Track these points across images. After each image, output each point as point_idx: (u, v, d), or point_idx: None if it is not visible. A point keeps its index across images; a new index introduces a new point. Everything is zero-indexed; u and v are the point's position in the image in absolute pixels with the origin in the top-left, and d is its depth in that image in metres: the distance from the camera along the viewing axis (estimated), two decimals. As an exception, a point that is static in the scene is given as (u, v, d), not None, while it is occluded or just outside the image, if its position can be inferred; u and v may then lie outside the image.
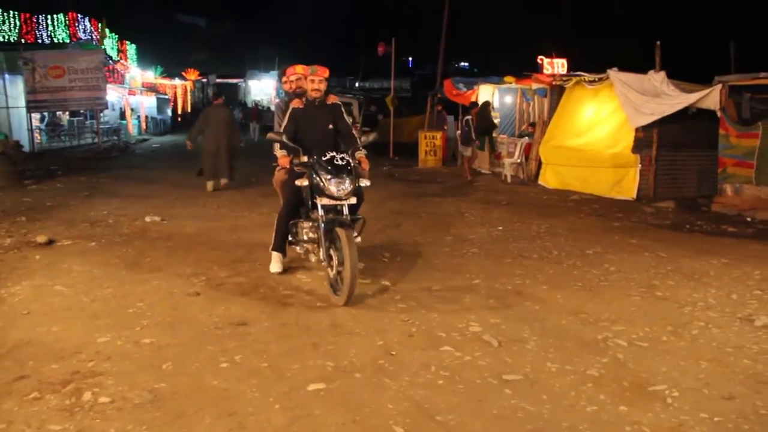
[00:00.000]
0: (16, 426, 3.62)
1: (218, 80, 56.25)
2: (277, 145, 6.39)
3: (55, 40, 28.33)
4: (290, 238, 6.63)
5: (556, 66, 19.24)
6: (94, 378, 4.22)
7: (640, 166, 12.55)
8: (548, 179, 14.38)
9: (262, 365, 4.48)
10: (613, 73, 12.92)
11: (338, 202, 5.87)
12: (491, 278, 6.81)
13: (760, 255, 8.04)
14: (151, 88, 38.14)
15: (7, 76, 21.77)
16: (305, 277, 6.69)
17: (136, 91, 34.35)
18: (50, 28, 28.54)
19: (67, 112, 26.40)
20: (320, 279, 6.45)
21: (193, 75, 49.36)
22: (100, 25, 28.91)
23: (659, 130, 12.39)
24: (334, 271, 5.77)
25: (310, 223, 6.27)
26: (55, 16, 28.64)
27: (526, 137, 15.83)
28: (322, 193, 5.82)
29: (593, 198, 12.68)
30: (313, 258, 6.44)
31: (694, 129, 12.68)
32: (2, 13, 27.45)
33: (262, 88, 55.01)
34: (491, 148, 16.60)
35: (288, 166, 6.33)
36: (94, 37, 29.16)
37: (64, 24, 28.94)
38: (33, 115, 22.92)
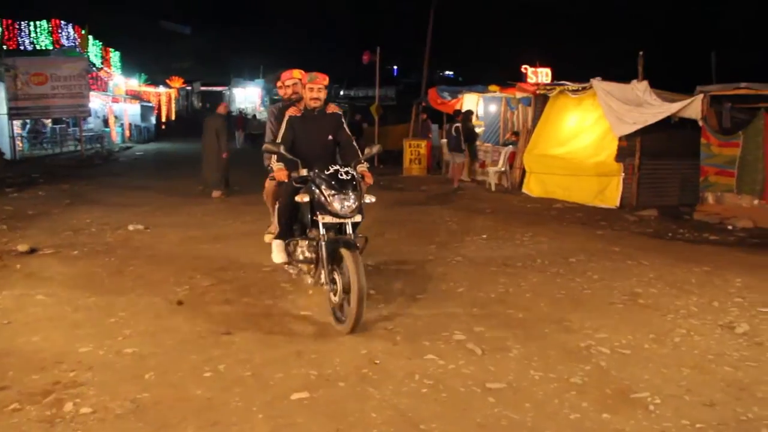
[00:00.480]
0: (-4, 437, 3.59)
1: (203, 88, 56.22)
2: (273, 157, 5.88)
3: (38, 47, 28.11)
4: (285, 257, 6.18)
5: (540, 75, 19.36)
6: (75, 388, 4.18)
7: (623, 174, 12.65)
8: (532, 188, 14.45)
9: (246, 374, 4.46)
10: (597, 83, 13.02)
11: (342, 221, 5.40)
12: (475, 286, 6.82)
13: (741, 263, 8.12)
14: (134, 96, 38.00)
15: (-12, 82, 21.63)
16: (289, 285, 6.67)
17: (120, 98, 34.22)
18: (33, 34, 28.31)
19: (49, 120, 26.23)
20: (303, 288, 6.43)
21: (177, 83, 49.29)
22: (83, 31, 28.77)
23: (642, 139, 12.50)
24: (338, 297, 5.29)
25: (307, 242, 5.85)
26: (37, 22, 28.44)
27: (511, 146, 15.91)
28: (325, 210, 5.33)
29: (577, 206, 12.76)
30: (309, 280, 5.89)
31: (677, 138, 12.80)
32: (-16, 19, 27.26)
33: (246, 96, 55.03)
34: (472, 156, 16.66)
35: (286, 180, 5.75)
36: (77, 44, 28.98)
37: (46, 30, 28.73)
38: (14, 122, 22.73)
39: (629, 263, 7.97)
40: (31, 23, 28.44)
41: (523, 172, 14.97)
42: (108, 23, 37.74)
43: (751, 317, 5.91)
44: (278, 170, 5.77)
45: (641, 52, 12.58)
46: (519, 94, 16.15)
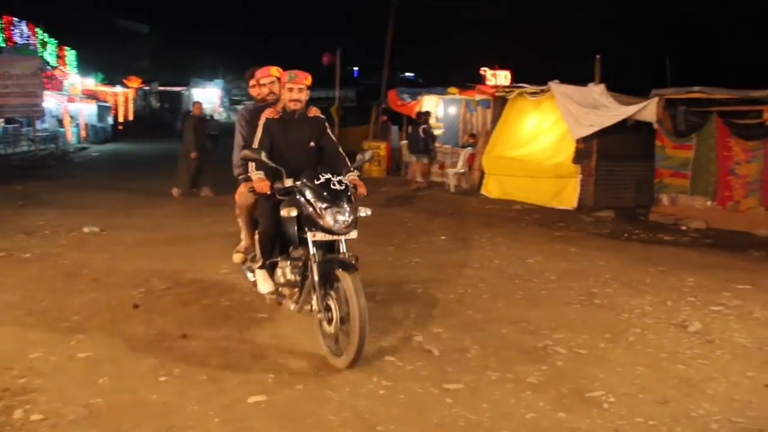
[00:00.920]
0: (-58, 445, 3.49)
1: (161, 88, 55.50)
2: (251, 165, 5.16)
3: (-10, 45, 27.46)
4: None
5: (499, 77, 19.52)
6: (26, 395, 4.09)
7: (580, 176, 12.82)
8: (491, 189, 14.56)
9: (202, 378, 4.41)
10: (554, 85, 13.18)
11: (335, 237, 4.77)
12: (433, 287, 6.84)
13: (694, 263, 8.29)
14: (91, 96, 37.32)
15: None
16: (247, 288, 6.62)
17: (76, 98, 33.54)
18: (-16, 32, 27.65)
19: (1, 119, 25.63)
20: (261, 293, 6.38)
21: (135, 82, 48.55)
22: (37, 29, 28.17)
23: (599, 141, 12.69)
24: (334, 327, 4.64)
25: (290, 263, 5.20)
26: (-11, 19, 27.78)
27: (470, 147, 16.01)
28: (316, 225, 4.68)
29: (535, 208, 12.89)
30: (292, 306, 5.19)
31: (633, 140, 13.01)
32: (-67, 16, 26.52)
33: (205, 97, 54.47)
34: (430, 158, 16.72)
35: (268, 192, 5.00)
36: (31, 41, 28.37)
37: (-1, 28, 28.10)
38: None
39: (586, 264, 8.08)
40: (-18, 20, 27.76)
41: (482, 174, 15.07)
42: (63, 21, 37.02)
43: (703, 316, 6.04)
44: (258, 181, 5.01)
45: (598, 56, 12.78)
46: (478, 96, 16.28)
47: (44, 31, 29.03)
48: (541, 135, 14.05)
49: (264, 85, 5.78)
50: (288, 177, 5.00)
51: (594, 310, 6.22)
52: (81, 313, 5.74)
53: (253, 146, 5.16)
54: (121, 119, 43.08)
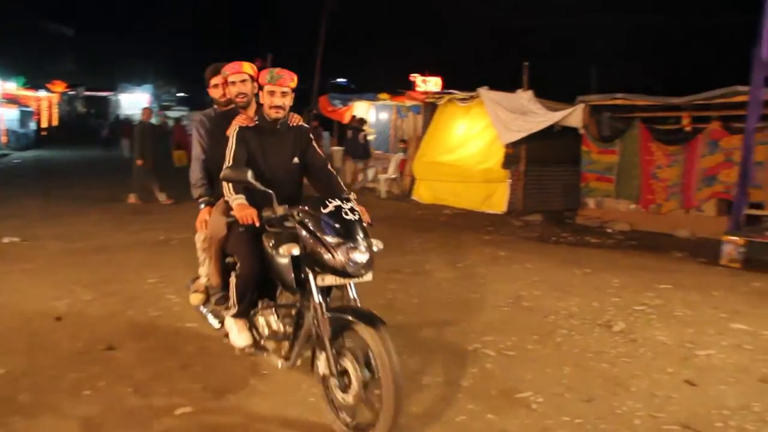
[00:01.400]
0: None
1: (87, 93, 54.02)
2: (227, 187, 4.10)
3: None
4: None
5: (430, 84, 19.71)
6: (-61, 413, 3.92)
7: (509, 181, 13.06)
8: (422, 194, 14.68)
9: (128, 391, 4.30)
10: (484, 92, 13.39)
11: (349, 281, 3.79)
12: (363, 293, 6.82)
13: (618, 264, 8.53)
14: (12, 100, 36.06)
15: None
16: (175, 297, 6.50)
17: (-4, 103, 32.40)
18: None
19: None
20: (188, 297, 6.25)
21: (59, 87, 47.07)
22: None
23: (528, 146, 12.97)
24: (353, 397, 3.57)
25: (275, 312, 4.22)
26: None
27: (401, 153, 16.11)
28: (324, 266, 3.63)
29: (465, 212, 13.06)
30: (280, 363, 4.13)
31: (560, 146, 13.33)
32: None
33: (134, 102, 53.24)
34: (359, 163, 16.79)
35: (257, 223, 3.90)
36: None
37: None
38: None
39: (515, 267, 8.23)
40: None
41: (413, 179, 15.19)
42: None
43: (626, 315, 6.22)
44: (241, 208, 3.95)
45: (526, 63, 13.06)
46: (409, 102, 16.41)
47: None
48: (470, 140, 14.25)
49: (234, 83, 4.65)
50: (290, 203, 3.94)
51: (522, 312, 6.33)
52: None
53: (229, 162, 4.14)
54: (44, 125, 41.76)
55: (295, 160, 4.41)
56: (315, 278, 3.70)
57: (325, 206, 3.71)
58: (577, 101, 12.37)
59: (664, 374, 4.78)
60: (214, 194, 4.72)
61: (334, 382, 3.65)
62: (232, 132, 4.32)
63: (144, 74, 54.67)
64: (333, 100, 19.25)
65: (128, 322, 5.77)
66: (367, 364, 3.53)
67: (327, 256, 3.60)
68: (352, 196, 4.04)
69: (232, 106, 4.77)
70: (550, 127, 12.64)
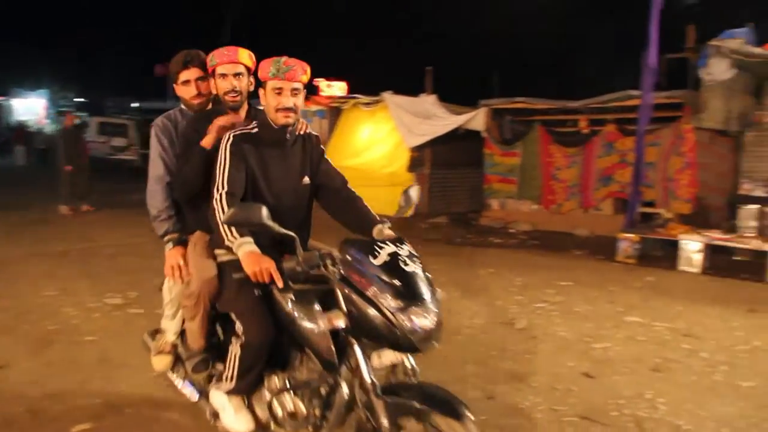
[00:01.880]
0: None
1: (-26, 97, 51.40)
2: (226, 229, 2.92)
3: None
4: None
5: (334, 88, 19.68)
6: None
7: (415, 184, 13.16)
8: (329, 198, 14.59)
9: (20, 410, 4.08)
10: (388, 96, 13.47)
11: (410, 354, 2.94)
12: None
13: (521, 263, 8.75)
14: None
15: None
16: (74, 310, 6.23)
17: None
18: None
19: None
20: (87, 310, 6.03)
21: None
22: None
23: (432, 150, 13.13)
24: None
25: (294, 389, 3.03)
26: None
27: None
28: (380, 337, 2.61)
29: (373, 216, 13.08)
30: None
31: (464, 149, 13.54)
32: None
33: (28, 108, 50.97)
34: None
35: (280, 283, 2.79)
36: None
37: None
38: None
39: (421, 269, 8.29)
40: None
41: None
42: None
43: (529, 313, 6.37)
44: (253, 259, 2.81)
45: (429, 68, 13.26)
46: (314, 107, 16.33)
47: None
48: (375, 144, 14.30)
49: (224, 76, 3.38)
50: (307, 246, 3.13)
51: (429, 313, 6.38)
52: None
53: (223, 187, 3.04)
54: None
55: (306, 180, 3.39)
56: (363, 352, 2.71)
57: (375, 254, 2.68)
58: (479, 105, 12.62)
59: (564, 368, 4.92)
60: (185, 227, 3.57)
61: None
62: (224, 142, 3.15)
63: (39, 79, 52.44)
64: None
65: (23, 337, 5.48)
66: None
67: (385, 327, 2.55)
68: (387, 226, 3.21)
69: (212, 107, 3.63)
70: (455, 131, 12.83)
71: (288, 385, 3.02)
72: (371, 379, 2.67)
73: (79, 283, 7.10)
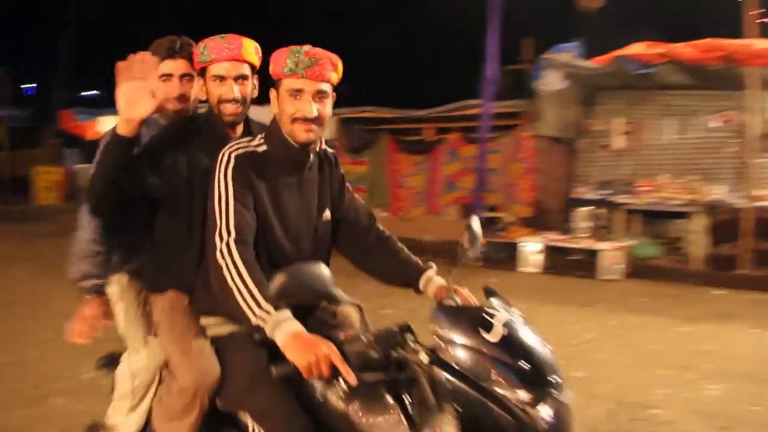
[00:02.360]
0: None
1: None
2: (245, 298, 1.94)
3: None
4: None
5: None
6: None
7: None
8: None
9: None
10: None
11: None
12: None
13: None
14: None
15: None
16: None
17: None
18: None
19: None
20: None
21: None
22: None
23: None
24: None
25: None
26: None
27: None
28: None
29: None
30: None
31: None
32: None
33: None
34: None
35: (353, 379, 1.78)
36: None
37: None
38: None
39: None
40: None
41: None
42: None
43: (370, 321, 6.40)
44: (304, 342, 1.84)
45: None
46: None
47: None
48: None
49: (222, 79, 2.44)
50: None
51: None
52: None
53: (229, 232, 2.09)
54: None
55: (327, 214, 2.50)
56: None
57: (488, 326, 1.89)
58: (328, 114, 12.67)
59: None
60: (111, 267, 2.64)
61: None
62: (221, 166, 2.19)
63: None
64: (78, 115, 18.01)
65: None
66: None
67: (513, 429, 1.74)
68: (434, 270, 2.53)
69: (193, 112, 2.69)
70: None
71: None
72: None
73: None
